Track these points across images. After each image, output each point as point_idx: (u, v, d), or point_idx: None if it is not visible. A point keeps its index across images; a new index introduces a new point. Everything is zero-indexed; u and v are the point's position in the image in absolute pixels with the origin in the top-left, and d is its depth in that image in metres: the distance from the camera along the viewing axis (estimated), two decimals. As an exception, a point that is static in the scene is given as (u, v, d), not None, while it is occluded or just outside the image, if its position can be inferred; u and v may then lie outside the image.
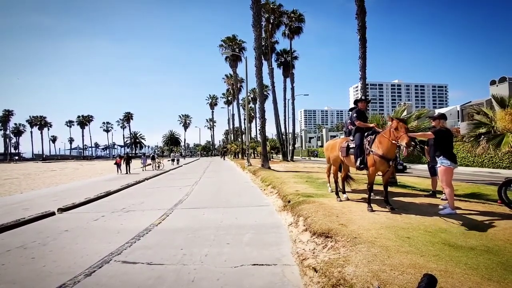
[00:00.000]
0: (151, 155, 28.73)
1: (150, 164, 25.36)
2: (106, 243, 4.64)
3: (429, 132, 5.30)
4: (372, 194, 5.50)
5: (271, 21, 31.65)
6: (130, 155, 25.93)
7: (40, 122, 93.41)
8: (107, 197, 9.90)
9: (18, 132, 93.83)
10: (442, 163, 5.05)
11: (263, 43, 25.03)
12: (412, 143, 4.90)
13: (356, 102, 6.17)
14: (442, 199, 6.06)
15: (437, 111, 33.84)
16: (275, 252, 4.05)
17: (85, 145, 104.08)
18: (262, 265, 3.61)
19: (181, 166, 30.56)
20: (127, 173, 21.32)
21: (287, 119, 36.04)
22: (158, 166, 25.00)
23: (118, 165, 21.74)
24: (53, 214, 7.17)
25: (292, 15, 32.09)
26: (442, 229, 3.99)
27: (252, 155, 44.37)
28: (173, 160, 34.37)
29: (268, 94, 40.47)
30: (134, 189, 12.09)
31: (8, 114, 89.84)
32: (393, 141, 4.87)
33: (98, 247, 4.49)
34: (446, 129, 5.32)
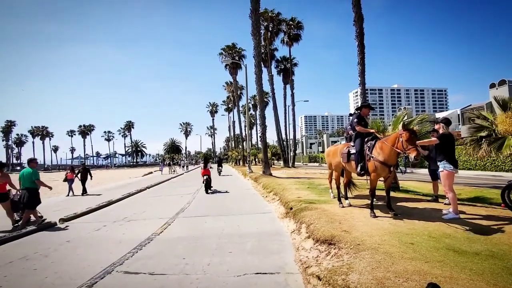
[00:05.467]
0: (168, 162, 40.49)
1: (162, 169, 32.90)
2: (108, 253, 4.62)
3: (434, 138, 5.29)
4: (374, 199, 5.47)
5: (270, 29, 32.05)
6: (87, 167, 15.74)
7: (42, 132, 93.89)
8: (108, 207, 9.88)
9: (20, 142, 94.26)
10: (445, 168, 5.03)
11: (263, 51, 25.23)
12: (421, 153, 4.81)
13: (359, 108, 6.15)
14: (445, 204, 6.02)
15: (438, 115, 33.88)
16: (278, 260, 4.02)
17: (87, 154, 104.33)
18: (265, 273, 3.58)
19: (183, 174, 30.73)
20: (83, 194, 13.56)
21: (287, 125, 36.21)
22: (174, 170, 32.27)
23: (70, 181, 13.70)
24: (54, 224, 7.16)
25: (290, 22, 32.49)
26: (446, 234, 3.96)
27: (253, 161, 44.31)
28: (183, 167, 42.14)
29: (268, 100, 40.68)
30: (135, 198, 12.07)
31: (10, 124, 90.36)
32: (399, 151, 4.82)
33: (99, 257, 4.46)
34: (449, 133, 5.31)
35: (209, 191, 12.06)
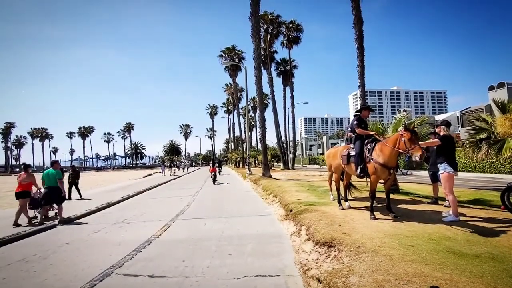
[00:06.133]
0: (169, 164, 42.55)
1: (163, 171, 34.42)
2: (107, 256, 4.61)
3: (436, 139, 5.29)
4: (374, 202, 5.47)
5: (270, 31, 32.13)
6: (77, 169, 14.35)
7: (41, 134, 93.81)
8: (108, 208, 9.86)
9: (19, 144, 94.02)
10: (445, 170, 5.02)
11: (262, 53, 25.30)
12: (425, 153, 4.81)
13: (359, 110, 6.16)
14: (445, 206, 6.02)
15: (437, 117, 33.97)
16: (278, 263, 4.01)
17: (86, 156, 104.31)
18: (265, 276, 3.57)
19: (182, 175, 30.71)
20: (71, 198, 12.59)
21: (287, 127, 36.27)
22: (174, 172, 34.23)
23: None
24: (54, 226, 7.15)
25: (290, 25, 32.56)
26: (446, 237, 3.95)
27: (253, 163, 44.29)
28: (183, 168, 44.19)
29: (268, 102, 40.71)
30: (135, 200, 12.04)
31: (10, 126, 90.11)
32: (402, 151, 4.82)
33: (99, 259, 4.45)
34: (450, 135, 5.32)
35: (215, 182, 17.25)
